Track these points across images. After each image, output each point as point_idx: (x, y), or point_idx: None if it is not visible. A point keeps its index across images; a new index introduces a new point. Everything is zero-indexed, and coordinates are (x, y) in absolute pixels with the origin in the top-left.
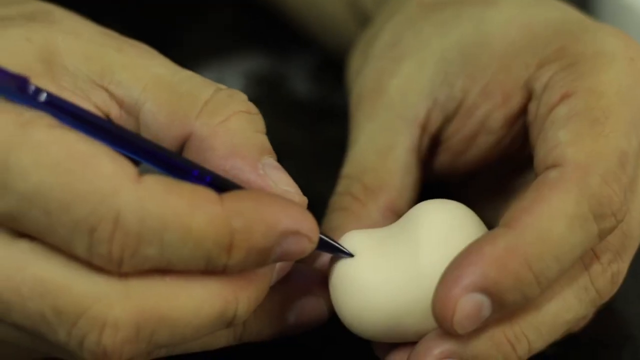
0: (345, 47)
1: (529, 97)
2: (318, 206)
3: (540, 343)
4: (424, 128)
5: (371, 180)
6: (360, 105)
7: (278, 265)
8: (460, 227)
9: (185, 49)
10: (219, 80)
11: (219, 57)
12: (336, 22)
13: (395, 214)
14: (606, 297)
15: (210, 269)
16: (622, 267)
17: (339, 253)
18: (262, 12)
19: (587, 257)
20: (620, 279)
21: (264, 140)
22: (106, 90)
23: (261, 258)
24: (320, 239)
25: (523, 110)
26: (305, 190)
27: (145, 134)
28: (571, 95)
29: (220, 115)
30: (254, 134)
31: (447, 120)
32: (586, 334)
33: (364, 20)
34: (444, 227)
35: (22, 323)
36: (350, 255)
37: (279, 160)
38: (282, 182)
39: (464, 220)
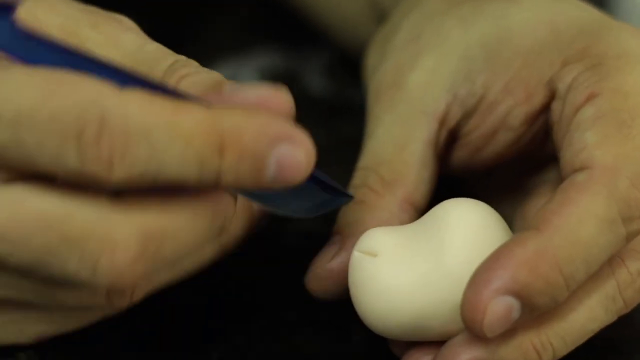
0: (361, 44)
1: (551, 95)
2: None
3: (563, 351)
4: (442, 122)
5: (388, 173)
6: (379, 99)
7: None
8: (486, 229)
9: (201, 46)
10: (234, 77)
11: (235, 54)
12: (353, 19)
13: (413, 207)
14: (632, 306)
15: (205, 177)
16: None
17: (341, 199)
18: (277, 9)
19: (615, 265)
20: None
21: (221, 78)
22: None
23: (256, 167)
24: (322, 181)
25: (544, 108)
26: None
27: None
28: (597, 96)
29: (179, 75)
30: (209, 74)
31: (467, 115)
32: (598, 337)
33: (381, 17)
34: (470, 228)
35: (29, 262)
36: (351, 197)
37: None
38: (251, 91)
39: (490, 221)
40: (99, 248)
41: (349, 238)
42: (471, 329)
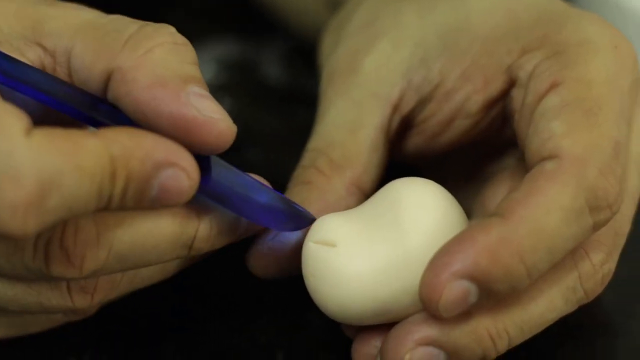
0: (316, 32)
1: (510, 82)
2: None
3: (519, 340)
4: (395, 108)
5: (338, 155)
6: (332, 82)
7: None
8: (441, 208)
9: None
10: None
11: (192, 43)
12: (308, 7)
13: (360, 191)
14: (593, 296)
15: (101, 204)
16: (612, 266)
17: (301, 220)
18: None
19: (578, 256)
20: (608, 279)
21: (190, 70)
22: (39, 44)
23: (140, 190)
24: (285, 200)
25: (502, 96)
26: (276, 175)
27: (75, 79)
28: (560, 84)
29: (143, 47)
30: (180, 64)
31: (422, 102)
32: (556, 324)
33: (335, 4)
34: (428, 210)
35: None
36: (313, 219)
37: (250, 145)
38: (207, 109)
39: (444, 200)
40: (50, 233)
41: None
42: (427, 308)
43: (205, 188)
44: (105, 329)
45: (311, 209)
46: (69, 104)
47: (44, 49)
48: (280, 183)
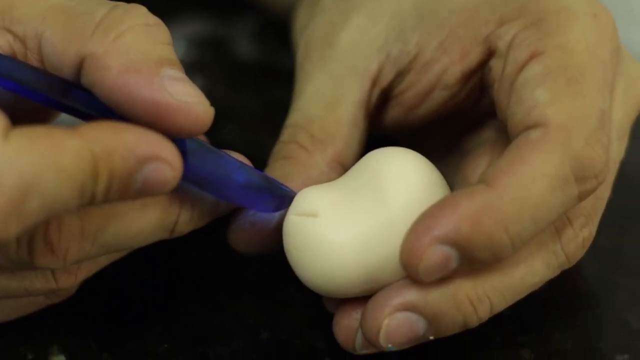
0: (288, 7)
1: (488, 53)
2: (264, 165)
3: (502, 306)
4: (374, 82)
5: (318, 131)
6: (308, 56)
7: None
8: (423, 176)
9: None
10: None
11: (162, 20)
12: None
13: (341, 166)
14: (574, 261)
15: (83, 201)
16: (593, 230)
17: (283, 199)
18: None
19: (559, 222)
20: (589, 243)
21: (164, 52)
22: (8, 30)
23: (124, 185)
24: (266, 178)
25: (480, 67)
26: (253, 154)
27: (47, 64)
28: (541, 53)
29: (115, 32)
30: (152, 46)
31: (400, 74)
32: (541, 294)
33: None
34: (409, 178)
35: None
36: (293, 194)
37: (225, 124)
38: (181, 93)
39: (425, 168)
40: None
41: None
42: (407, 271)
43: (184, 173)
44: (88, 314)
45: (293, 183)
46: (40, 91)
47: (14, 35)
48: (258, 161)
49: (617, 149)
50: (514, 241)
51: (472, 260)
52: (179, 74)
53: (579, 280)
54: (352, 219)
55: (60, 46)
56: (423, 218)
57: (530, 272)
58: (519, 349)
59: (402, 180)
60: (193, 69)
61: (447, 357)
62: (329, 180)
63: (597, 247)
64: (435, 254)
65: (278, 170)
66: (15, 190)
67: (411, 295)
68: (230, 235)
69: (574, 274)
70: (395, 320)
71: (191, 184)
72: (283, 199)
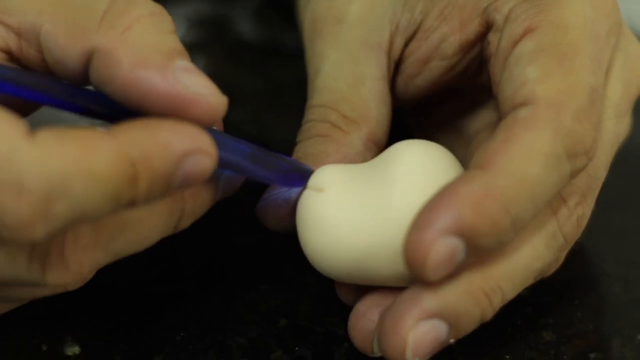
0: None
1: (486, 25)
2: (272, 146)
3: (512, 293)
4: (388, 55)
5: (349, 111)
6: (318, 33)
7: (225, 179)
8: (437, 169)
9: None
10: None
11: (161, 1)
12: None
13: (376, 145)
14: (572, 241)
15: (120, 206)
16: (587, 209)
17: (304, 171)
18: None
19: (555, 202)
20: (584, 222)
21: (172, 42)
22: (1, 22)
23: (166, 185)
24: (285, 158)
25: (479, 39)
26: (257, 132)
27: (49, 58)
28: (535, 29)
29: (121, 25)
30: (160, 37)
31: (407, 43)
32: (560, 275)
33: None
34: (420, 168)
35: None
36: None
37: (230, 105)
38: (195, 85)
39: (442, 161)
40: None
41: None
42: (414, 271)
43: None
44: (102, 304)
45: (329, 160)
46: (50, 95)
47: (7, 26)
48: (262, 139)
49: (615, 128)
50: (515, 223)
51: (477, 249)
52: (189, 64)
53: (597, 261)
54: (355, 199)
55: (63, 41)
56: (424, 212)
57: (533, 257)
58: (540, 331)
59: (407, 174)
60: (194, 48)
61: (469, 342)
62: (364, 160)
63: (613, 226)
64: (442, 248)
65: (312, 147)
66: (41, 192)
67: (428, 301)
68: (259, 210)
69: (591, 255)
70: (420, 332)
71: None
72: (306, 173)
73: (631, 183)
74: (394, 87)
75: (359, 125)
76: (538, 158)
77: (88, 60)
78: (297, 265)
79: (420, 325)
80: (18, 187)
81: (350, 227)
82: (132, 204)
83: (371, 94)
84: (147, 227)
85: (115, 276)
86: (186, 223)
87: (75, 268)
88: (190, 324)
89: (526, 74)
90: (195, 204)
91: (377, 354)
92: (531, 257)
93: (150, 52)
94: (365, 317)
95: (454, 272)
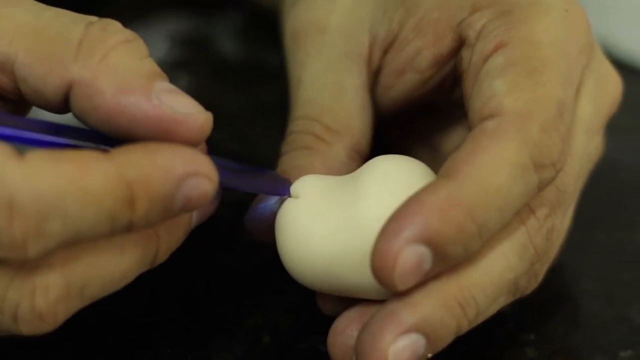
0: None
1: (460, 40)
2: (256, 163)
3: (486, 304)
4: (368, 64)
5: (332, 122)
6: (299, 43)
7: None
8: (410, 182)
9: (108, 12)
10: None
11: (143, 19)
12: None
13: (360, 155)
14: (542, 254)
15: (117, 229)
16: (557, 223)
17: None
18: None
19: (524, 213)
20: (555, 236)
21: (150, 66)
22: None
23: (165, 208)
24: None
25: (453, 54)
26: (241, 149)
27: (25, 88)
28: (506, 45)
29: (98, 54)
30: (138, 62)
31: (384, 53)
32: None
33: None
34: (391, 180)
35: None
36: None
37: (213, 122)
38: (180, 105)
39: (416, 175)
40: (19, 292)
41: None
42: (381, 280)
43: None
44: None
45: (314, 173)
46: (34, 131)
47: None
48: (248, 158)
49: (585, 146)
50: (481, 231)
51: (444, 257)
52: (170, 86)
53: (580, 276)
54: (329, 209)
55: (40, 72)
56: (390, 222)
57: (505, 267)
58: (523, 347)
59: (378, 185)
60: (176, 67)
61: (451, 358)
62: (349, 171)
63: (593, 243)
64: (409, 256)
65: (297, 159)
66: (34, 211)
67: (406, 316)
68: (246, 224)
69: (574, 270)
70: (399, 347)
71: None
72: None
73: (610, 199)
74: (373, 97)
75: (342, 136)
76: (504, 167)
77: (67, 90)
78: (279, 282)
79: (399, 340)
80: (8, 205)
81: (322, 234)
82: (130, 226)
83: (353, 104)
84: (120, 269)
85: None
86: (163, 257)
87: (50, 319)
88: (175, 341)
89: (494, 87)
90: (171, 237)
91: None
92: (503, 267)
93: (131, 78)
94: (344, 333)
95: (422, 282)
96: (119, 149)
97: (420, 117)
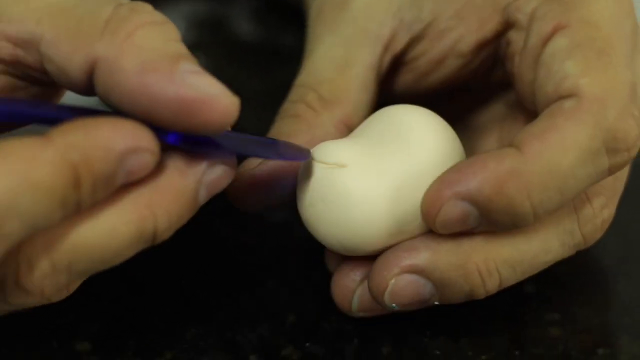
0: None
1: (505, 24)
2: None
3: (511, 280)
4: (386, 47)
5: (327, 92)
6: (321, 18)
7: (209, 179)
8: (446, 131)
9: None
10: None
11: (159, 1)
12: None
13: (348, 128)
14: (591, 242)
15: (67, 212)
16: (612, 213)
17: (298, 159)
18: None
19: (579, 201)
20: (607, 225)
21: (177, 48)
22: None
23: (108, 184)
24: (280, 145)
25: (497, 37)
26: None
27: (50, 67)
28: (565, 26)
29: (124, 32)
30: (164, 43)
31: (414, 41)
32: (565, 270)
33: None
34: (438, 130)
35: None
36: (306, 157)
37: None
38: (204, 86)
39: (444, 124)
40: (2, 272)
41: None
42: (426, 220)
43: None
44: (112, 301)
45: (297, 141)
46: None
47: (5, 36)
48: None
49: None
50: (536, 210)
51: (491, 222)
52: (196, 67)
53: (604, 256)
54: (382, 170)
55: (65, 50)
56: (450, 171)
57: (544, 250)
58: (547, 327)
59: (431, 134)
60: (192, 49)
61: (476, 337)
62: None
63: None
64: (454, 209)
65: (284, 127)
66: None
67: (421, 258)
68: (230, 191)
69: (599, 250)
70: (402, 281)
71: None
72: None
73: (632, 179)
74: (395, 83)
75: (334, 107)
76: (575, 150)
77: (91, 69)
78: (303, 262)
79: (405, 276)
80: None
81: (385, 198)
82: (78, 206)
83: (357, 79)
84: (114, 246)
85: (125, 273)
86: (165, 234)
87: (37, 293)
88: (200, 322)
89: (566, 68)
90: (170, 214)
91: (355, 313)
92: (541, 249)
93: (154, 57)
94: (348, 276)
95: (467, 232)
96: (58, 129)
97: (449, 96)
